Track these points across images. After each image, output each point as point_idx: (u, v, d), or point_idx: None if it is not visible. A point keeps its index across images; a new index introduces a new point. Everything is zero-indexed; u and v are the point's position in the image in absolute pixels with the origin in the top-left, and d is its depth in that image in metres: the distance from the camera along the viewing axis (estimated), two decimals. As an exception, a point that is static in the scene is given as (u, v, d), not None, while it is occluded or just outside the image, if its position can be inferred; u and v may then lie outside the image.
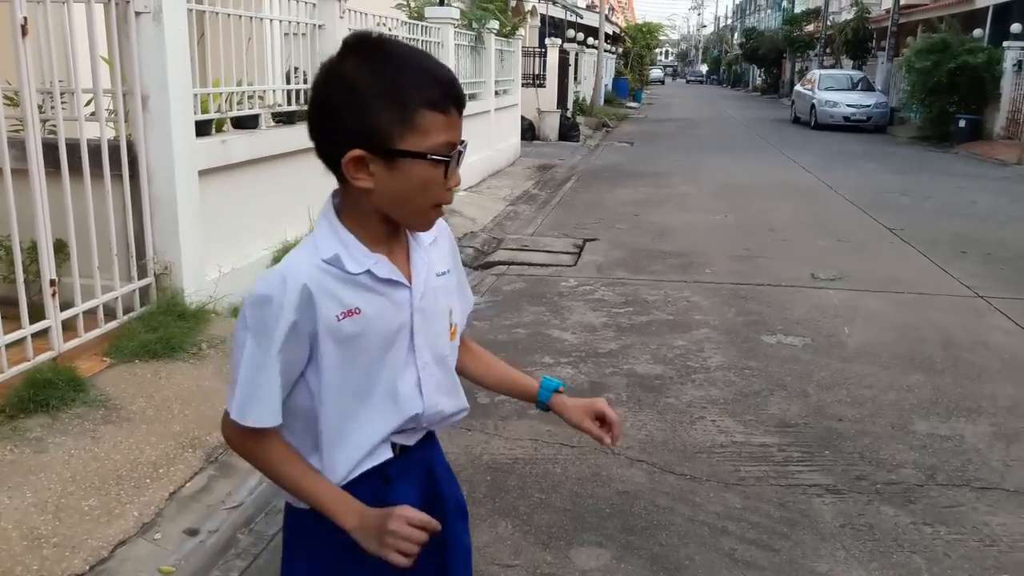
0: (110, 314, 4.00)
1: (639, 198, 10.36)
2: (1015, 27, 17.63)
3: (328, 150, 1.25)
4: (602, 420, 1.55)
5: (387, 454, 1.37)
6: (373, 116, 1.20)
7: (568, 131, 17.62)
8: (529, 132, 16.41)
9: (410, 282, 1.34)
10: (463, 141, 1.28)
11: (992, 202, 10.58)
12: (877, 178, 12.67)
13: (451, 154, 1.24)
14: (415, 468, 1.43)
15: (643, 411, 3.93)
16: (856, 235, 8.29)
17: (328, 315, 1.26)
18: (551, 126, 17.42)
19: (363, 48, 1.23)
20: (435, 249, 1.42)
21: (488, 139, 11.72)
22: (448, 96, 1.23)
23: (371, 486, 1.36)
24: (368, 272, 1.29)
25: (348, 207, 1.30)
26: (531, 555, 2.74)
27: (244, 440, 1.32)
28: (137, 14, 4.03)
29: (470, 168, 10.49)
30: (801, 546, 2.83)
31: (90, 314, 3.86)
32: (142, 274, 4.22)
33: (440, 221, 1.43)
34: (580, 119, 20.18)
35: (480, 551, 2.74)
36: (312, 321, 1.26)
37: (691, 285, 6.24)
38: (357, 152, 1.21)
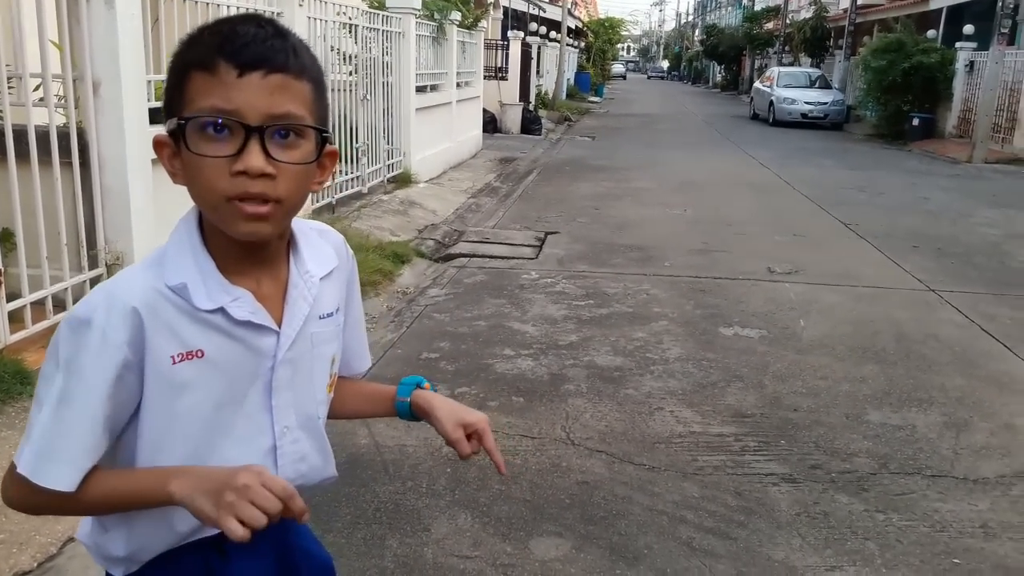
0: (59, 305, 3.90)
1: (600, 192, 10.40)
2: (967, 28, 18.03)
3: None
4: (479, 440, 1.27)
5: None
6: (168, 91, 1.00)
7: (530, 124, 17.62)
8: (491, 125, 16.38)
9: (280, 326, 1.08)
10: (287, 117, 0.97)
11: (944, 199, 10.81)
12: (833, 174, 12.87)
13: (203, 122, 0.95)
14: (263, 540, 1.06)
15: (603, 402, 3.94)
16: (812, 230, 8.41)
17: (160, 354, 1.00)
18: (513, 119, 17.41)
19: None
20: (328, 284, 1.15)
21: (450, 131, 11.67)
22: (217, 50, 0.95)
23: (200, 559, 1.13)
24: (221, 310, 1.03)
25: (204, 217, 1.04)
26: (490, 546, 2.74)
27: (35, 500, 1.01)
28: (88, -3, 3.93)
29: (432, 160, 10.45)
30: (758, 534, 2.86)
31: (38, 305, 3.76)
32: (93, 264, 4.12)
33: (341, 244, 1.21)
34: (542, 113, 20.21)
35: (439, 543, 2.73)
36: (139, 358, 1.00)
37: (650, 278, 6.28)
38: (159, 136, 1.01)
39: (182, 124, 0.96)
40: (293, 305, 1.10)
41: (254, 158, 0.95)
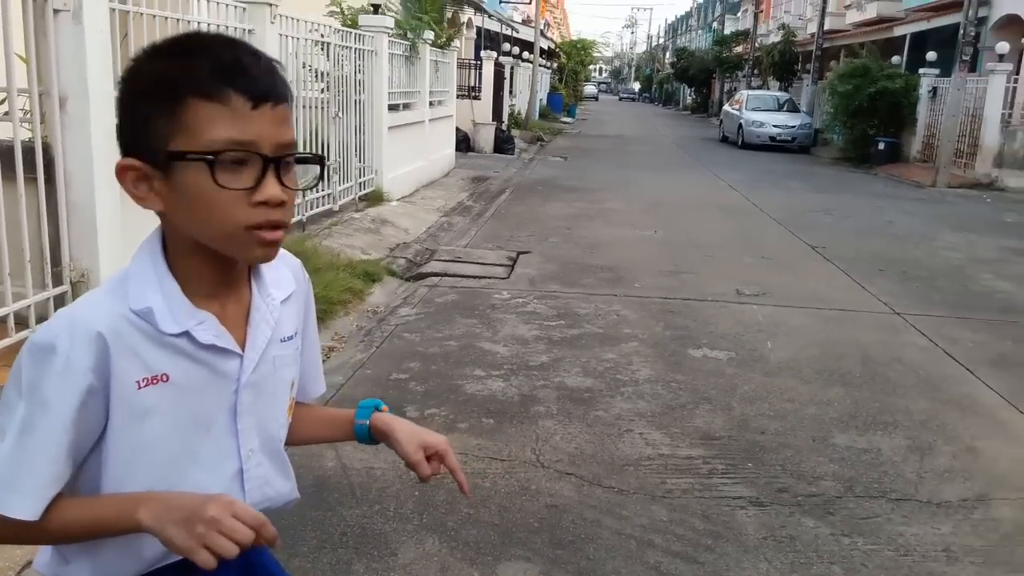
0: (22, 323, 3.82)
1: (572, 212, 10.45)
2: (930, 55, 18.45)
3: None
4: (440, 461, 1.26)
5: None
6: (142, 114, 0.98)
7: (503, 144, 17.70)
8: (464, 144, 16.42)
9: (243, 349, 1.09)
10: (292, 146, 1.02)
11: (908, 223, 11.01)
12: (801, 197, 13.06)
13: (231, 156, 0.96)
14: (228, 562, 1.07)
15: (572, 424, 3.94)
16: (780, 252, 8.51)
17: (125, 379, 0.99)
18: (486, 138, 17.47)
19: (160, 45, 1.02)
20: (287, 307, 1.16)
21: (423, 149, 11.68)
22: (228, 80, 0.96)
23: None
24: (187, 334, 1.03)
25: (171, 243, 1.04)
26: (458, 571, 2.71)
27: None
28: (56, 12, 3.88)
29: (404, 178, 10.44)
30: (725, 558, 2.87)
31: (0, 323, 3.68)
32: (57, 281, 4.05)
33: (299, 267, 1.21)
34: (515, 132, 20.31)
35: (406, 568, 2.71)
36: (104, 384, 0.99)
37: (621, 299, 6.31)
38: (124, 161, 1.00)
39: (190, 156, 0.96)
40: (256, 328, 1.10)
41: (274, 188, 0.99)
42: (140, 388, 1.01)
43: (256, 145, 0.97)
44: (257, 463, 1.14)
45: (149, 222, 1.07)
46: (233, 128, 0.96)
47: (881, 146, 18.69)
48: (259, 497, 1.15)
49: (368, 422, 1.29)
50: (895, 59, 20.75)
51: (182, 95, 0.96)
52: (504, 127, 19.26)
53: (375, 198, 9.28)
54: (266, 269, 1.14)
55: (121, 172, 1.00)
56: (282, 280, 1.17)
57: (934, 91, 18.12)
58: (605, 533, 2.98)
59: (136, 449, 1.03)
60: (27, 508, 0.97)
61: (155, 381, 1.01)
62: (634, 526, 3.04)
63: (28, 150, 3.84)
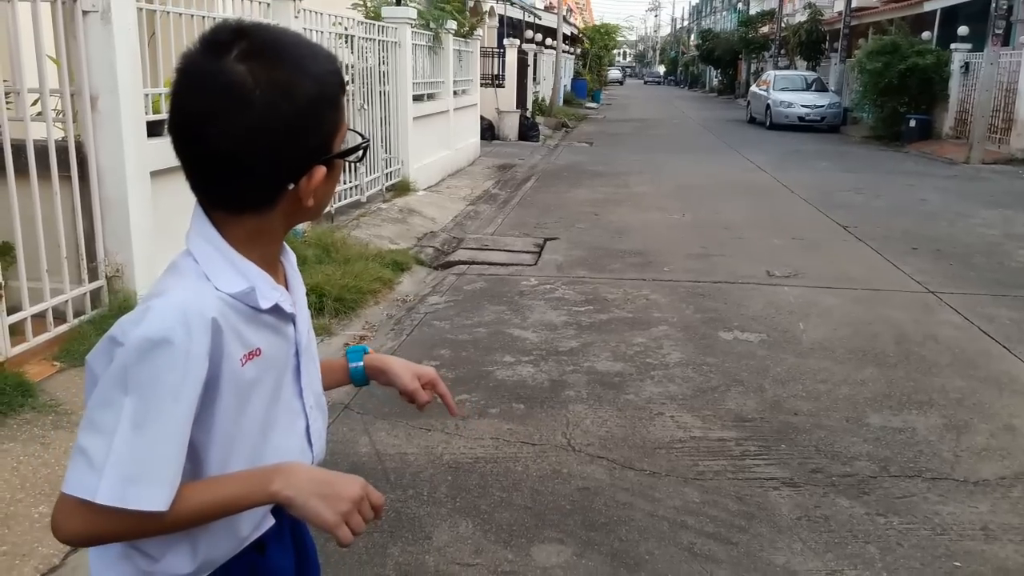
0: (60, 318, 3.91)
1: (598, 198, 10.42)
2: (962, 30, 18.08)
3: (266, 176, 1.03)
4: (432, 389, 1.39)
5: (270, 522, 1.18)
6: (325, 124, 1.05)
7: (528, 131, 17.65)
8: (489, 132, 16.41)
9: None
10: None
11: (941, 200, 10.83)
12: (831, 177, 12.90)
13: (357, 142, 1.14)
14: (286, 526, 1.23)
15: (603, 408, 3.95)
16: (810, 233, 8.42)
17: (233, 359, 1.04)
18: (511, 126, 17.44)
19: (257, 46, 1.00)
20: (296, 270, 1.23)
21: (448, 139, 11.70)
22: (341, 87, 1.11)
23: (246, 561, 1.16)
24: (275, 307, 1.09)
25: (240, 232, 1.07)
26: (492, 553, 2.74)
27: (111, 527, 0.99)
28: (85, 13, 3.95)
29: (430, 168, 10.47)
30: (759, 539, 2.86)
31: (39, 318, 3.77)
32: (93, 277, 4.14)
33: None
34: (539, 119, 20.24)
35: (441, 551, 2.74)
36: (216, 367, 1.02)
37: (650, 283, 6.29)
38: (322, 169, 1.05)
39: (355, 148, 1.11)
40: (295, 292, 1.17)
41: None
42: (243, 365, 1.05)
43: None
44: (314, 418, 1.21)
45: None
46: (344, 122, 1.09)
47: (912, 123, 18.37)
48: (319, 449, 1.22)
49: (362, 363, 1.39)
50: (925, 35, 20.36)
51: (336, 100, 1.07)
52: (528, 114, 19.21)
53: (402, 188, 9.32)
54: None
55: (314, 181, 1.05)
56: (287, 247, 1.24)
57: (966, 66, 17.75)
58: (638, 515, 2.99)
59: (238, 424, 1.07)
60: (159, 498, 0.97)
61: (252, 356, 1.06)
62: (667, 508, 3.05)
63: (62, 149, 3.92)
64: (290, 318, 1.14)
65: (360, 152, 1.13)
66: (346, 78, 1.07)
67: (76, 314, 4.01)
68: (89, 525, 0.98)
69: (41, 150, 3.76)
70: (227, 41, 0.99)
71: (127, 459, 0.96)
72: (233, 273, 1.05)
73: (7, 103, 3.74)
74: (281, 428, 1.15)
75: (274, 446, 1.13)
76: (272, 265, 1.12)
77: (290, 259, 1.20)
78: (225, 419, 1.05)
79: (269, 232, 1.10)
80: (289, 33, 1.07)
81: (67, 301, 3.93)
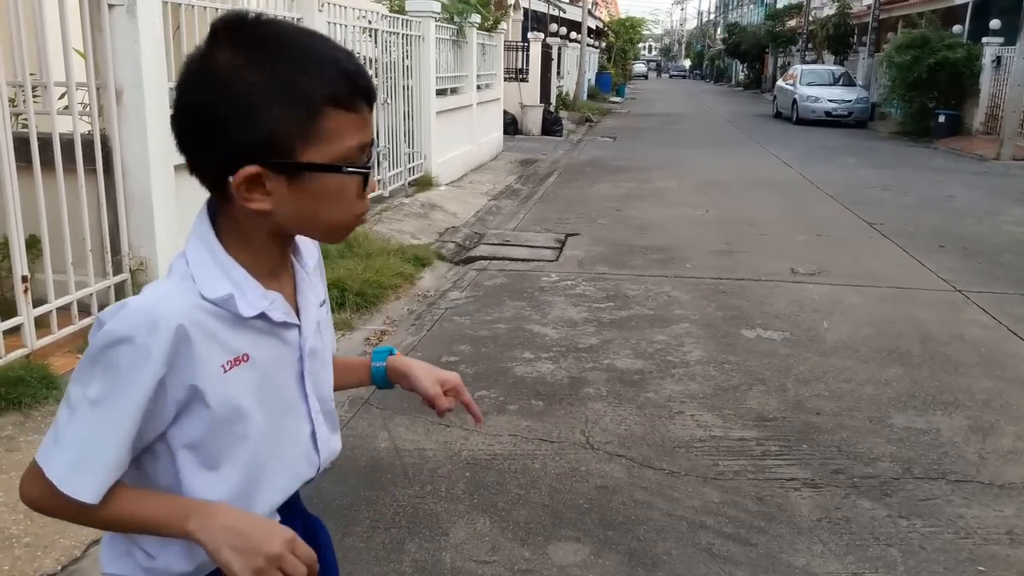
0: (84, 311, 3.95)
1: (621, 193, 10.37)
2: (994, 23, 17.75)
3: (206, 167, 1.01)
4: (455, 396, 1.35)
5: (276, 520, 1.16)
6: (269, 123, 0.96)
7: (551, 126, 17.60)
8: (512, 126, 16.38)
9: (299, 318, 1.13)
10: (374, 140, 1.08)
11: (970, 197, 10.66)
12: (857, 173, 12.74)
13: (368, 162, 1.03)
14: (297, 522, 1.21)
15: (623, 406, 3.93)
16: (835, 230, 8.33)
17: (211, 367, 1.02)
18: (534, 120, 17.40)
19: (242, 36, 0.98)
20: (315, 274, 1.20)
21: (470, 133, 11.69)
22: (357, 90, 1.01)
23: None
24: (262, 315, 1.07)
25: (232, 231, 1.05)
26: (509, 551, 2.74)
27: (54, 504, 1.02)
28: (110, 6, 3.98)
29: (453, 163, 10.47)
30: (778, 540, 2.84)
31: (64, 311, 3.81)
32: (117, 270, 4.18)
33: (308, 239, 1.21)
34: (563, 114, 20.18)
35: (458, 548, 2.74)
36: (188, 375, 1.00)
37: (672, 280, 6.25)
38: (252, 169, 0.97)
39: (333, 166, 1.00)
40: (304, 298, 1.15)
41: (373, 179, 1.08)
42: (226, 371, 1.03)
43: (372, 144, 1.04)
44: (321, 423, 1.19)
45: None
46: (361, 133, 1.02)
47: (941, 119, 18.08)
48: (326, 455, 1.21)
49: (385, 364, 1.37)
50: (956, 28, 20.01)
51: (319, 106, 0.97)
52: (552, 109, 19.16)
53: (424, 183, 9.33)
54: (299, 241, 1.17)
55: (240, 179, 0.98)
56: (308, 248, 1.21)
57: (998, 60, 17.43)
58: (656, 515, 2.98)
59: (231, 430, 1.06)
60: (91, 491, 0.99)
61: (238, 362, 1.05)
62: (685, 508, 3.02)
63: (87, 143, 3.96)
64: (291, 325, 1.12)
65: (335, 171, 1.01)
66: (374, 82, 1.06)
67: (100, 307, 4.05)
68: (44, 495, 1.02)
69: (67, 143, 3.80)
70: (220, 28, 1.00)
71: (77, 444, 0.99)
72: (219, 277, 1.04)
73: (34, 96, 3.78)
74: (288, 435, 1.14)
75: (276, 452, 1.12)
76: (270, 273, 1.09)
77: (306, 264, 1.17)
78: (214, 425, 1.04)
79: (254, 231, 1.05)
80: (293, 29, 1.02)
81: (92, 294, 3.97)
